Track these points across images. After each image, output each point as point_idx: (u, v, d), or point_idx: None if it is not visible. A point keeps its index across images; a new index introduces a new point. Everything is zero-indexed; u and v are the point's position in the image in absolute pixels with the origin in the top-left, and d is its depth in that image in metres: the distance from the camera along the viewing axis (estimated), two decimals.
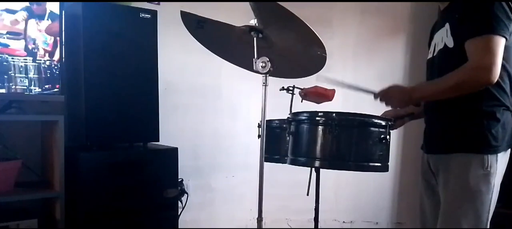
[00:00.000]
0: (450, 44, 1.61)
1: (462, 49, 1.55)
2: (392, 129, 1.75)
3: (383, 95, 1.77)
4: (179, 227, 2.48)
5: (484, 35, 1.50)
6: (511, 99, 1.64)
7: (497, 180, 1.60)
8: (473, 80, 1.53)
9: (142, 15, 2.31)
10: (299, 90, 2.04)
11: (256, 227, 1.79)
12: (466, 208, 1.58)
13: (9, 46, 2.03)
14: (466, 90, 1.56)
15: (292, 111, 1.93)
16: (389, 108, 1.97)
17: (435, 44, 1.75)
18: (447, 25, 1.65)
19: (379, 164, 1.73)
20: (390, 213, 3.50)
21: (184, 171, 2.68)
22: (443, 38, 1.66)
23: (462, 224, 1.58)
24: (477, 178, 1.57)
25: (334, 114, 1.69)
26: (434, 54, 1.74)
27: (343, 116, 1.70)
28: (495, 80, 1.50)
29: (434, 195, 1.74)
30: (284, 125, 1.88)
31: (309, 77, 1.99)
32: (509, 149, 1.65)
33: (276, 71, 1.73)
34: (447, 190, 1.64)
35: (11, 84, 2.05)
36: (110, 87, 2.24)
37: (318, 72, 1.91)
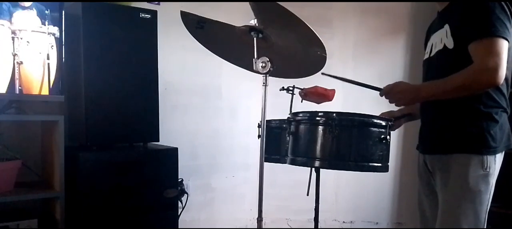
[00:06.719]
0: (450, 45, 1.62)
1: (462, 50, 1.56)
2: (390, 130, 1.75)
3: (389, 92, 1.76)
4: (179, 227, 2.48)
5: (488, 37, 1.51)
6: (508, 101, 1.65)
7: (494, 180, 1.62)
8: (479, 82, 1.53)
9: (142, 15, 2.31)
10: (299, 90, 2.04)
11: (256, 227, 1.79)
12: (465, 208, 1.59)
13: None
14: (472, 91, 1.56)
15: (292, 111, 1.93)
16: (386, 110, 1.97)
17: (432, 45, 1.75)
18: (446, 26, 1.65)
19: (379, 164, 1.72)
20: (390, 213, 3.50)
21: (184, 171, 2.68)
22: (443, 39, 1.66)
23: (461, 223, 1.58)
24: (476, 178, 1.58)
25: (334, 114, 1.69)
26: (431, 55, 1.74)
27: (343, 116, 1.70)
28: (501, 82, 1.51)
29: (433, 194, 1.75)
30: (284, 125, 1.88)
31: (309, 77, 1.99)
32: (504, 151, 1.66)
33: (276, 71, 1.73)
34: (446, 190, 1.64)
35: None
36: (110, 87, 2.24)
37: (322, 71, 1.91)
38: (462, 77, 1.55)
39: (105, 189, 2.18)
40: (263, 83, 1.75)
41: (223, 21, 1.83)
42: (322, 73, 1.88)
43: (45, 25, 2.11)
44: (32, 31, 2.08)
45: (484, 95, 1.59)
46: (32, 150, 2.35)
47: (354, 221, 3.46)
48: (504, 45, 1.50)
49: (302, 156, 1.78)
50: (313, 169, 2.00)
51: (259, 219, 1.78)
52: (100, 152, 2.21)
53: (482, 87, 1.55)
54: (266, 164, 1.76)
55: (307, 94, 2.04)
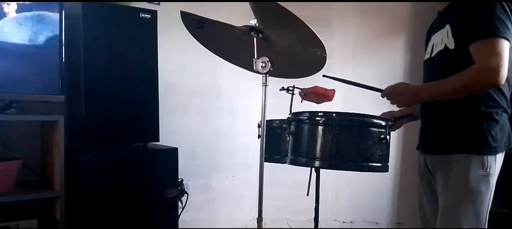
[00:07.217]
0: (451, 45, 1.61)
1: (463, 50, 1.56)
2: (391, 130, 1.75)
3: (390, 93, 1.76)
4: (179, 227, 2.48)
5: (489, 37, 1.51)
6: (508, 101, 1.65)
7: (495, 180, 1.62)
8: (480, 82, 1.53)
9: (142, 15, 2.31)
10: (299, 90, 2.04)
11: (256, 227, 1.79)
12: (466, 208, 1.59)
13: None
14: (474, 92, 1.56)
15: (292, 111, 1.93)
16: (386, 110, 1.98)
17: (433, 45, 1.75)
18: (447, 27, 1.64)
19: (379, 164, 1.73)
20: (390, 213, 3.50)
21: (184, 171, 2.68)
22: (443, 39, 1.65)
23: (462, 224, 1.58)
24: (477, 178, 1.58)
25: (334, 114, 1.69)
26: (432, 55, 1.74)
27: (343, 116, 1.70)
28: (503, 82, 1.51)
29: (434, 194, 1.75)
30: (284, 125, 1.88)
31: (309, 77, 1.99)
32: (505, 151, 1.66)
33: (276, 71, 1.74)
34: (447, 190, 1.64)
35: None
36: (110, 87, 2.24)
37: (323, 73, 1.91)
38: (463, 78, 1.54)
39: (105, 189, 2.18)
40: (263, 83, 1.75)
41: (223, 21, 1.83)
42: (323, 75, 1.88)
43: None
44: None
45: (484, 95, 1.59)
46: (32, 150, 2.35)
47: (354, 221, 3.46)
48: (505, 45, 1.50)
49: (302, 156, 1.78)
50: (313, 169, 2.00)
51: (259, 219, 1.78)
52: (100, 152, 2.21)
53: (484, 87, 1.55)
54: (266, 164, 1.76)
55: (307, 94, 2.04)
